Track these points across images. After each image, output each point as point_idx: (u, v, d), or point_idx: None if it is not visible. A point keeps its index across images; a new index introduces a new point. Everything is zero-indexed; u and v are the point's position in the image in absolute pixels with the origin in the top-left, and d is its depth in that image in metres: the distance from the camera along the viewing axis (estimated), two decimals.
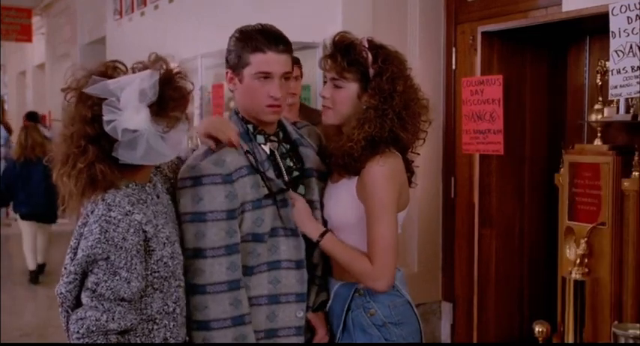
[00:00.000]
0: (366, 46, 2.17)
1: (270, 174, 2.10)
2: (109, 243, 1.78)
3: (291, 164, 2.19)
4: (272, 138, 2.20)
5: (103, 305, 1.78)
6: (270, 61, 2.09)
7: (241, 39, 2.11)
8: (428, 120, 2.24)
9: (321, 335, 2.23)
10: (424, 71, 4.34)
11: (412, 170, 2.30)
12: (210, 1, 5.84)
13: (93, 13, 9.37)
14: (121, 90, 1.79)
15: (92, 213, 1.85)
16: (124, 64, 1.91)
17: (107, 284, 1.78)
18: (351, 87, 2.15)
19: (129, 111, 1.77)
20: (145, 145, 1.80)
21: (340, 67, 2.15)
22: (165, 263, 1.89)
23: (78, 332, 1.77)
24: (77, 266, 1.80)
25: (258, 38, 2.10)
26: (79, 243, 1.86)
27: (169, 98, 1.85)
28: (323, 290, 2.26)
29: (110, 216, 1.80)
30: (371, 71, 2.13)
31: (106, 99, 1.79)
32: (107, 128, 1.78)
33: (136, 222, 1.83)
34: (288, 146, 2.23)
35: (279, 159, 2.18)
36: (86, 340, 1.76)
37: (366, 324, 2.15)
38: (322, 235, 2.13)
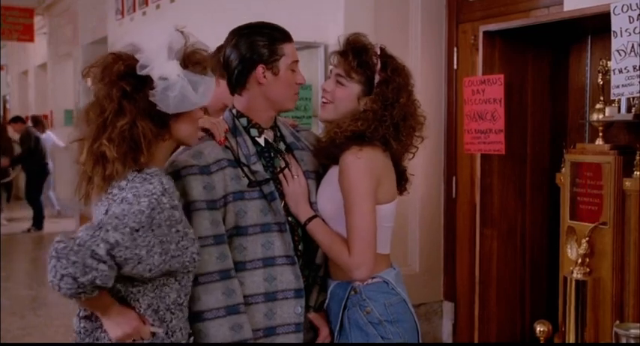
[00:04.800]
0: (378, 53, 2.20)
1: (257, 167, 2.11)
2: (147, 220, 1.77)
3: (282, 165, 2.19)
4: (267, 131, 2.21)
5: (110, 263, 1.73)
6: (295, 49, 2.18)
7: (265, 33, 2.14)
8: (421, 136, 2.26)
9: (325, 334, 2.24)
10: (426, 71, 4.35)
11: (407, 178, 2.31)
12: (212, 1, 5.84)
13: (95, 13, 9.37)
14: (149, 42, 1.85)
15: (132, 186, 1.83)
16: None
17: (123, 252, 1.75)
18: (354, 88, 2.19)
19: (160, 60, 1.82)
20: (177, 93, 1.82)
21: (349, 66, 2.19)
22: (193, 259, 1.90)
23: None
24: (108, 217, 1.76)
25: (278, 29, 2.17)
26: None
27: (193, 53, 1.91)
28: (323, 290, 2.27)
29: (161, 201, 1.81)
30: (377, 77, 2.17)
31: (134, 57, 1.84)
32: (143, 71, 1.80)
33: (174, 219, 1.84)
34: (284, 147, 2.24)
35: (277, 148, 2.20)
36: (67, 254, 1.70)
37: (363, 322, 2.16)
38: (311, 219, 2.15)
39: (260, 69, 2.11)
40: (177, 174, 2.02)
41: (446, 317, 4.53)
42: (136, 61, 1.83)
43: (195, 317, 2.00)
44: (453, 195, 4.45)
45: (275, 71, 2.13)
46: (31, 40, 13.13)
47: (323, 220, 2.18)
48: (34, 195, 10.54)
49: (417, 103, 2.24)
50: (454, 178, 4.44)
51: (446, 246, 4.54)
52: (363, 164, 2.10)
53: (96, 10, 9.28)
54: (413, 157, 2.32)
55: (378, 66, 2.18)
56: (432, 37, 4.44)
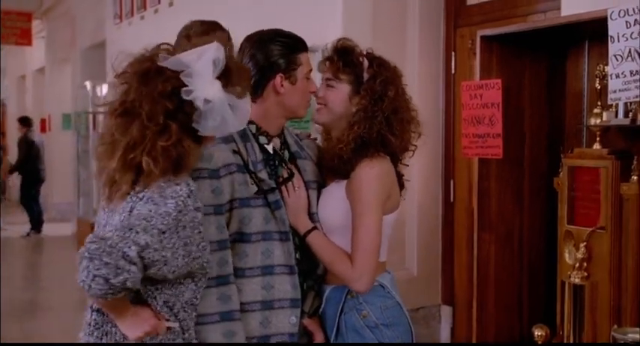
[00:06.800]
0: (364, 53, 2.22)
1: (263, 175, 2.11)
2: (174, 222, 1.78)
3: (285, 175, 2.19)
4: (274, 139, 2.21)
5: (140, 265, 1.73)
6: (309, 58, 2.19)
7: (283, 42, 2.15)
8: (417, 132, 2.26)
9: (319, 340, 2.24)
10: (423, 75, 4.35)
11: (402, 183, 2.32)
12: (210, 7, 5.85)
13: (93, 17, 9.37)
14: (195, 61, 1.82)
15: (158, 185, 1.82)
16: (169, 44, 1.93)
17: (152, 254, 1.75)
18: (344, 88, 2.20)
19: (205, 82, 1.81)
20: (219, 116, 1.82)
21: (335, 67, 2.21)
22: (207, 260, 1.91)
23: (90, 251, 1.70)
24: (136, 218, 1.76)
25: (294, 38, 2.18)
26: None
27: (235, 69, 1.89)
28: (317, 296, 2.27)
29: (187, 203, 1.81)
30: (365, 75, 2.19)
31: (178, 72, 1.81)
32: (189, 96, 1.79)
33: (197, 221, 1.84)
34: (288, 155, 2.24)
35: (282, 157, 2.20)
36: (93, 258, 1.68)
37: (359, 326, 2.16)
38: (310, 231, 2.15)
39: (279, 78, 2.12)
40: None
41: (444, 321, 4.52)
42: (181, 81, 1.80)
43: None
44: (451, 199, 4.45)
45: (293, 80, 2.14)
46: (29, 44, 13.12)
47: (323, 232, 2.18)
48: (27, 200, 10.56)
49: (408, 98, 2.25)
50: (452, 182, 4.44)
51: (444, 250, 4.54)
52: (375, 175, 2.11)
53: (94, 14, 9.28)
54: (413, 155, 2.32)
55: (365, 64, 2.20)
56: (430, 42, 4.45)
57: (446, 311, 4.52)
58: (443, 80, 4.48)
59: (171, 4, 6.72)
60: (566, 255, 2.96)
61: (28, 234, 10.35)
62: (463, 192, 4.33)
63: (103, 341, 1.92)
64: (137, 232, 1.74)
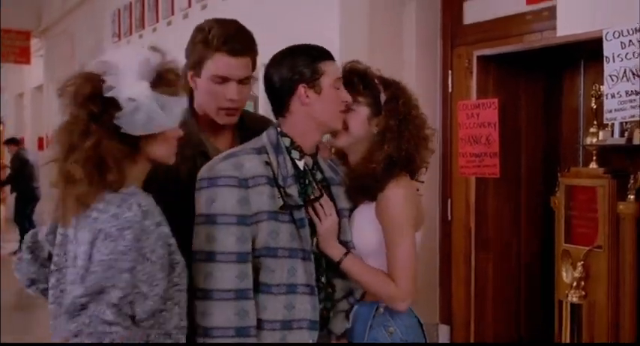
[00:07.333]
0: (377, 75, 2.25)
1: (292, 190, 2.06)
2: (139, 252, 1.71)
3: (315, 194, 2.14)
4: (307, 157, 2.16)
5: (126, 323, 1.70)
6: (337, 67, 2.16)
7: (304, 52, 2.13)
8: (431, 149, 2.29)
9: None
10: (420, 93, 4.32)
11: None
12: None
13: (91, 36, 9.41)
14: (119, 62, 1.81)
15: (113, 213, 1.76)
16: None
17: (129, 298, 1.69)
18: (363, 111, 2.20)
19: (128, 80, 1.78)
20: (145, 115, 1.78)
21: (356, 90, 2.20)
22: (182, 274, 1.84)
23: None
24: (102, 270, 1.70)
25: (316, 48, 2.16)
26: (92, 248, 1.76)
27: (166, 73, 1.86)
28: (346, 316, 2.23)
29: (145, 225, 1.74)
30: (383, 96, 2.20)
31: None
32: (109, 93, 1.76)
33: (164, 235, 1.78)
34: (320, 176, 2.19)
35: (313, 176, 2.15)
36: None
37: (386, 343, 2.17)
38: (345, 255, 2.13)
39: (302, 89, 2.07)
40: (213, 182, 1.99)
41: (442, 341, 4.51)
42: (104, 81, 1.78)
43: (204, 331, 1.96)
44: (448, 218, 4.46)
45: (317, 90, 2.09)
46: (28, 62, 13.16)
47: (356, 255, 2.18)
48: (21, 218, 10.56)
49: (425, 118, 2.28)
50: (449, 201, 4.45)
51: (441, 268, 4.53)
52: (403, 195, 2.13)
53: (92, 33, 9.32)
54: (426, 172, 2.34)
55: (381, 86, 2.21)
56: (427, 60, 4.48)
57: (444, 330, 4.51)
58: (440, 99, 4.51)
59: (169, 24, 6.76)
60: (564, 274, 2.96)
61: (14, 252, 10.33)
62: (460, 210, 4.34)
63: None
64: (108, 292, 1.69)
